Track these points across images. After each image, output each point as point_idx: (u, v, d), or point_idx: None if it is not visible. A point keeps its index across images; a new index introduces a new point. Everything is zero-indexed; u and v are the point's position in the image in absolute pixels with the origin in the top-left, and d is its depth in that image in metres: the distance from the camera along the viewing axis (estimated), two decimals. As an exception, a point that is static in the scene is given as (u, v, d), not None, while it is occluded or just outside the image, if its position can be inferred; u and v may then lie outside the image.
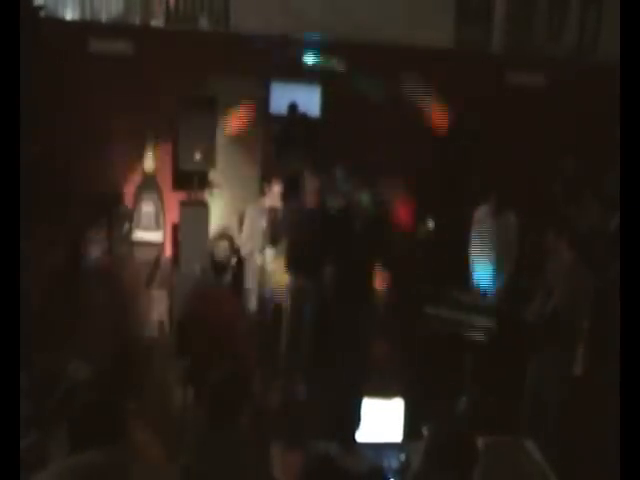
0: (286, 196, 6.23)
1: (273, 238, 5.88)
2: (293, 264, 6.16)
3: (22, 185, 2.95)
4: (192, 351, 4.71)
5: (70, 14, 8.27)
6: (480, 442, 3.30)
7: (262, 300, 5.96)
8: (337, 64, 8.14)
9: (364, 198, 6.11)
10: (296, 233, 6.07)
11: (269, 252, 5.95)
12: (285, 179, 6.28)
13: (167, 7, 8.29)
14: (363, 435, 3.53)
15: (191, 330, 4.71)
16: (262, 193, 6.21)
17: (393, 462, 3.96)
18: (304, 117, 8.14)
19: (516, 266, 6.53)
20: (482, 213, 6.61)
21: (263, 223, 5.88)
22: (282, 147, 7.76)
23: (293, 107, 8.49)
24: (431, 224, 6.09)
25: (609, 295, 5.83)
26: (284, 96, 8.28)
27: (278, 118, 8.32)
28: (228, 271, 4.77)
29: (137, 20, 8.40)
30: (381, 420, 4.06)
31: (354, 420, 3.25)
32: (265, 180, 6.13)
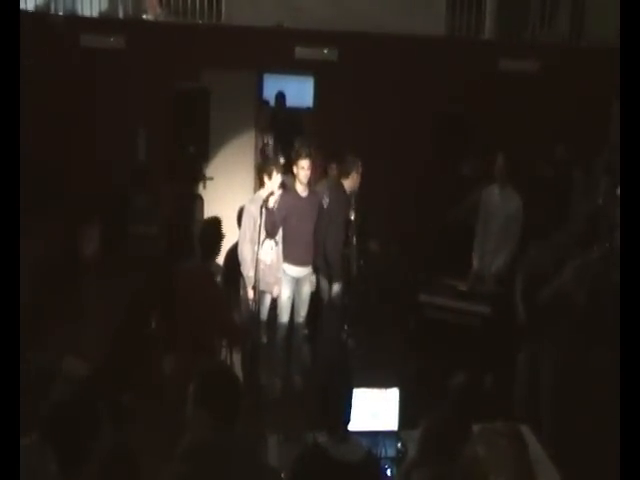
0: (284, 186, 6.27)
1: (271, 229, 5.89)
2: (291, 254, 6.19)
3: (22, 182, 2.96)
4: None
5: (61, 9, 8.25)
6: (475, 428, 3.34)
7: (260, 291, 5.96)
8: (329, 54, 8.12)
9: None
10: (293, 223, 6.11)
11: (267, 243, 5.95)
12: (281, 170, 6.30)
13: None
14: (358, 424, 3.54)
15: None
16: (261, 185, 6.20)
17: (390, 451, 4.01)
18: (293, 108, 8.17)
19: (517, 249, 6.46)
20: (488, 195, 6.57)
21: (262, 214, 5.87)
22: (275, 138, 7.78)
23: (280, 97, 8.46)
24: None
25: (602, 278, 5.88)
26: (277, 87, 8.29)
27: (270, 109, 8.34)
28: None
29: (129, 13, 8.39)
30: (377, 409, 4.10)
31: (344, 409, 3.23)
32: (264, 172, 6.09)
